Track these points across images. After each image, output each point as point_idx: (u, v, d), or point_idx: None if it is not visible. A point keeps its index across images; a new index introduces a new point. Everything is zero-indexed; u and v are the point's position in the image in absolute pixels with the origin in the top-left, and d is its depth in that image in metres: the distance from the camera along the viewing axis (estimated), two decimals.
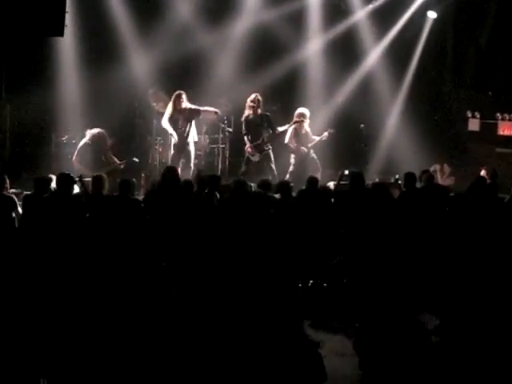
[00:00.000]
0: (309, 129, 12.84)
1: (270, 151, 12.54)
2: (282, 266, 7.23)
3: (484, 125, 15.29)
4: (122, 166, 11.98)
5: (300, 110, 12.83)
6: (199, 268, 7.14)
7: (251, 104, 12.47)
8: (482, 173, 10.76)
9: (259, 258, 7.18)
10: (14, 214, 8.79)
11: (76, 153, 11.55)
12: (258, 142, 12.45)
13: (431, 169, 12.09)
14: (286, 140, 12.84)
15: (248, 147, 12.52)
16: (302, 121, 12.71)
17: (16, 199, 8.93)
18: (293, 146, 12.80)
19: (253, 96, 12.54)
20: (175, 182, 8.86)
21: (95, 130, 11.73)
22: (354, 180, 9.21)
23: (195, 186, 9.16)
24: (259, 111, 12.48)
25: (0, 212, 8.62)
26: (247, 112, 12.53)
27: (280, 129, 12.73)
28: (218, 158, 13.69)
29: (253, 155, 12.51)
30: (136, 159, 12.61)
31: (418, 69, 15.41)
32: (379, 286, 7.03)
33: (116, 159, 11.93)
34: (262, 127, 12.49)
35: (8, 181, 9.03)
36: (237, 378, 5.59)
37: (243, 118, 12.57)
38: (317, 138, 12.77)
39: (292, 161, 12.84)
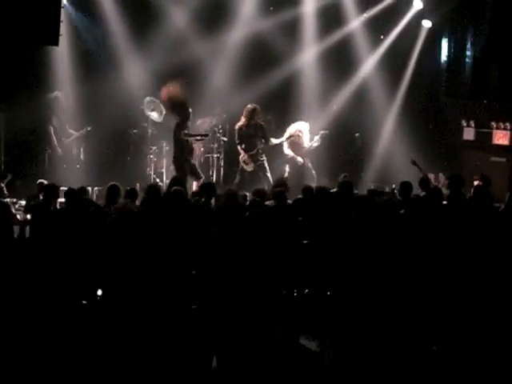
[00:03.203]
0: (306, 141, 12.88)
1: (265, 161, 12.55)
2: (276, 273, 7.22)
3: (479, 134, 15.31)
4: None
5: (298, 125, 12.87)
6: (196, 277, 7.13)
7: (246, 113, 12.47)
8: (476, 183, 10.71)
9: (254, 266, 7.15)
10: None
11: None
12: (253, 152, 12.45)
13: None
14: (285, 150, 12.88)
15: (242, 156, 12.51)
16: (298, 135, 12.76)
17: (10, 204, 8.96)
18: (289, 155, 12.83)
19: (249, 106, 12.54)
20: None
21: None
22: (343, 188, 9.19)
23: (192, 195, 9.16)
24: (253, 121, 12.47)
25: None
26: (241, 122, 12.52)
27: (275, 141, 12.75)
28: (213, 167, 13.67)
29: (247, 164, 12.50)
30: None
31: (412, 78, 15.44)
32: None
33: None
34: (255, 137, 12.48)
35: (5, 189, 9.09)
36: None
37: (236, 127, 12.56)
38: (309, 144, 12.82)
39: (287, 169, 12.86)
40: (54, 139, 12.62)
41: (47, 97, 12.83)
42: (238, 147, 12.56)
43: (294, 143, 12.82)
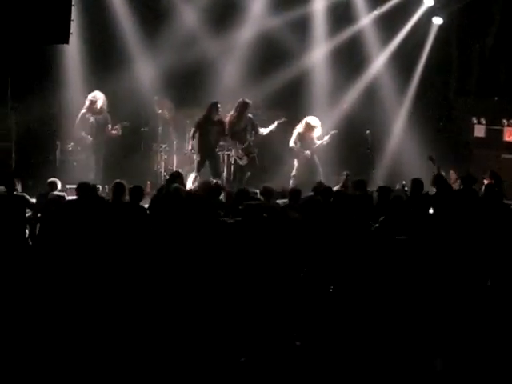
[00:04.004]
0: (316, 135, 12.84)
1: (256, 154, 12.64)
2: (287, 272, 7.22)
3: (490, 131, 15.27)
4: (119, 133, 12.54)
5: (308, 119, 12.84)
6: (203, 277, 7.14)
7: (237, 108, 12.55)
8: (486, 182, 10.66)
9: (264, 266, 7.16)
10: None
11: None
12: (245, 145, 12.54)
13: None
14: (290, 144, 12.84)
15: (235, 151, 12.61)
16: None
17: (28, 198, 9.04)
18: (296, 149, 12.79)
19: (240, 100, 12.60)
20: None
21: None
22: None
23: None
24: (244, 115, 12.52)
25: (14, 211, 8.74)
26: (232, 116, 12.58)
27: (264, 131, 12.77)
28: (224, 165, 13.68)
29: (241, 159, 12.59)
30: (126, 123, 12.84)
31: (423, 75, 15.41)
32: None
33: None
34: (246, 131, 12.56)
35: (18, 184, 9.17)
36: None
37: (227, 122, 12.60)
38: (319, 142, 12.79)
39: (295, 164, 12.84)
40: (81, 132, 12.56)
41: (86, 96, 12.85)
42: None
43: (306, 137, 12.77)
